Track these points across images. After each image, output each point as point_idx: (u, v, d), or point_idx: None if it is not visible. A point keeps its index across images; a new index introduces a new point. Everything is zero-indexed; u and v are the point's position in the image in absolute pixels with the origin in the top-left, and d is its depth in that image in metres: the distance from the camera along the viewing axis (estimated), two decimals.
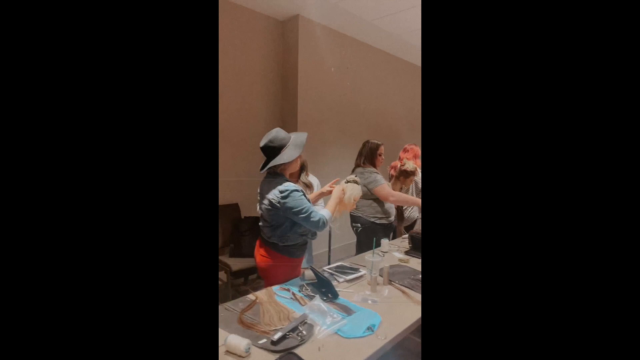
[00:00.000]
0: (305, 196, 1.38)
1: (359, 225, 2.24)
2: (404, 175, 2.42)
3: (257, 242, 1.54)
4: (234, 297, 1.45)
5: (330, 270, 1.55)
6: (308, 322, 1.08)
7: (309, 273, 1.43)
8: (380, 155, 2.25)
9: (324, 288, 1.31)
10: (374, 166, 2.24)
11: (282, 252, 1.43)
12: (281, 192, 1.34)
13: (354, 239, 2.37)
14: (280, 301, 1.24)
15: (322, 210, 1.42)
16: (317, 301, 1.17)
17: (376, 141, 2.26)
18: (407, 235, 2.08)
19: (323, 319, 1.09)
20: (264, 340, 0.98)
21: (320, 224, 1.37)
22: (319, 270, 1.39)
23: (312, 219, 1.35)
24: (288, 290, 1.33)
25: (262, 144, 1.39)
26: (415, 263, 1.73)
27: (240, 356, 0.90)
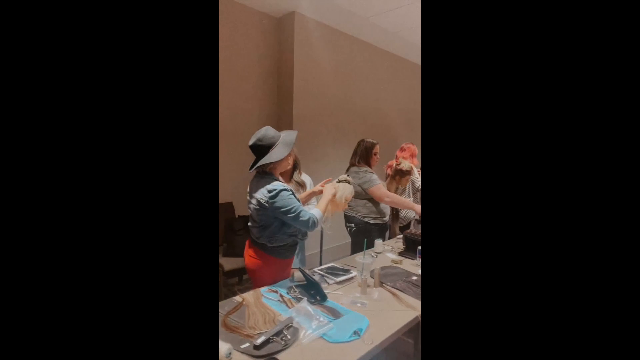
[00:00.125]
0: (294, 195, 1.35)
1: (352, 225, 2.21)
2: (399, 174, 2.39)
3: (247, 243, 1.51)
4: (226, 297, 1.43)
5: (321, 272, 1.52)
6: (294, 325, 1.05)
7: (298, 274, 1.41)
8: (375, 154, 2.22)
9: (312, 290, 1.28)
10: (369, 165, 2.21)
11: (271, 253, 1.41)
12: (269, 191, 1.31)
13: (348, 239, 2.34)
14: (267, 303, 1.21)
15: (312, 210, 1.39)
16: (304, 304, 1.14)
17: (371, 140, 2.22)
18: (401, 236, 2.05)
19: (309, 322, 1.06)
20: (247, 344, 0.95)
21: (311, 224, 1.34)
22: (308, 272, 1.36)
23: (301, 219, 1.32)
24: (276, 292, 1.30)
25: (250, 142, 1.36)
26: (408, 264, 1.70)
27: None
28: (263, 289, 1.32)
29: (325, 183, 1.58)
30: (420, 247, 1.73)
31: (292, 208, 1.31)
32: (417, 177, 2.62)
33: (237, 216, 2.68)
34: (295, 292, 1.29)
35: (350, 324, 1.07)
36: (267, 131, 1.36)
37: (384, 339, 1.02)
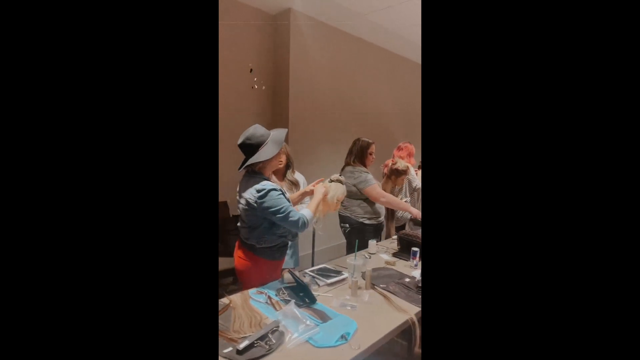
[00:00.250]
0: (284, 195, 1.32)
1: (347, 225, 2.18)
2: (395, 174, 2.35)
3: (237, 243, 1.48)
4: (220, 297, 1.40)
5: (312, 273, 1.49)
6: (280, 329, 1.02)
7: (287, 276, 1.38)
8: (371, 154, 2.19)
9: (301, 292, 1.25)
10: (364, 165, 2.18)
11: (260, 254, 1.38)
12: (258, 191, 1.28)
13: (344, 240, 2.31)
14: (254, 306, 1.18)
15: (302, 210, 1.36)
16: (292, 306, 1.11)
17: (367, 139, 2.19)
18: (396, 236, 2.02)
19: (296, 325, 1.03)
20: (230, 349, 0.93)
21: (300, 224, 1.31)
22: (298, 274, 1.34)
23: (290, 219, 1.29)
24: (265, 294, 1.28)
25: (239, 141, 1.33)
26: (402, 266, 1.67)
27: None
28: (251, 291, 1.29)
29: (317, 183, 1.55)
30: (414, 249, 1.70)
31: (281, 208, 1.28)
32: (414, 176, 2.59)
33: (231, 216, 2.65)
34: (284, 294, 1.26)
35: (337, 327, 1.04)
36: (256, 130, 1.33)
37: (371, 344, 0.99)
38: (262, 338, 0.97)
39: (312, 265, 2.32)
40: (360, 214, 2.13)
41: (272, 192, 1.28)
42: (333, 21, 3.15)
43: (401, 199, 2.44)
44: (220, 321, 1.08)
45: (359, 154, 2.17)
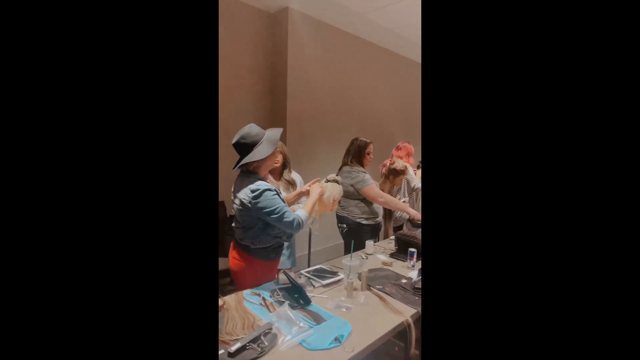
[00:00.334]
0: (279, 195, 1.31)
1: (345, 226, 2.16)
2: (393, 174, 2.34)
3: (231, 244, 1.47)
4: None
5: (307, 274, 1.47)
6: (273, 331, 1.01)
7: (282, 277, 1.36)
8: (368, 153, 2.17)
9: (296, 294, 1.24)
10: (362, 165, 2.16)
11: (255, 255, 1.36)
12: (252, 191, 1.26)
13: (341, 240, 2.29)
14: (248, 307, 1.17)
15: (297, 211, 1.35)
16: (286, 308, 1.10)
17: (365, 139, 2.17)
18: (394, 237, 2.00)
19: (289, 327, 1.02)
20: (221, 351, 0.91)
21: (295, 225, 1.29)
22: (293, 275, 1.32)
23: (285, 220, 1.27)
24: (259, 295, 1.26)
25: (234, 140, 1.32)
26: (399, 266, 1.66)
27: None
28: (246, 292, 1.28)
29: (313, 183, 1.54)
30: (411, 249, 1.68)
31: (275, 209, 1.26)
32: (412, 176, 2.57)
33: (228, 215, 2.64)
34: (279, 295, 1.25)
35: (331, 329, 1.03)
36: (251, 129, 1.32)
37: (366, 346, 0.97)
38: (254, 340, 0.95)
39: (309, 266, 2.30)
40: (357, 214, 2.12)
41: (267, 193, 1.26)
42: (331, 20, 3.13)
43: (399, 199, 2.42)
44: None
45: (356, 154, 2.15)
